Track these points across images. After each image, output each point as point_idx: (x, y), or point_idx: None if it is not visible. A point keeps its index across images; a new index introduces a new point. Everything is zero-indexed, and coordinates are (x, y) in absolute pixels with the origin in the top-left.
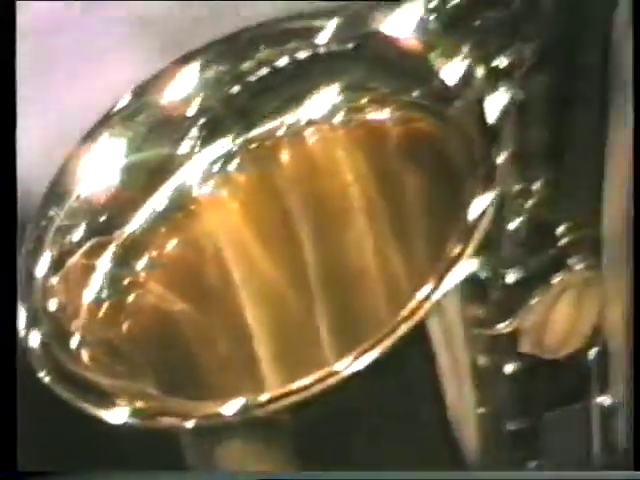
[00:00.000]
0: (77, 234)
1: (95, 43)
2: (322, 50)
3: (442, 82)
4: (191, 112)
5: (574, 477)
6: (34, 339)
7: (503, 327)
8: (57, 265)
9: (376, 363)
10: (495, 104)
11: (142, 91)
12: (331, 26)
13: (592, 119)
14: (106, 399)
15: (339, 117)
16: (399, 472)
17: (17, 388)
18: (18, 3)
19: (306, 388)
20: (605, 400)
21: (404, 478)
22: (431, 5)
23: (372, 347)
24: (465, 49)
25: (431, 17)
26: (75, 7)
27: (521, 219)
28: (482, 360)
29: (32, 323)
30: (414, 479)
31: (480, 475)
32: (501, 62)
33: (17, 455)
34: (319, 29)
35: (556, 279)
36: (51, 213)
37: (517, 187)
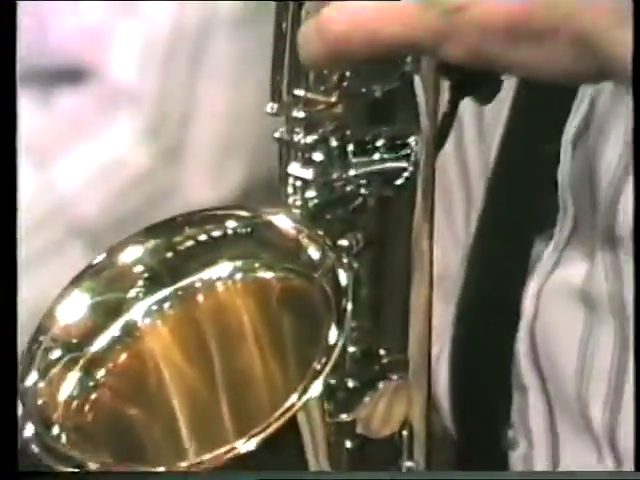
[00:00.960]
0: (57, 352)
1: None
2: (229, 231)
3: (309, 256)
4: (137, 270)
5: (574, 477)
6: (29, 429)
7: (345, 417)
8: (43, 374)
9: (263, 442)
10: (342, 271)
11: (109, 254)
12: (236, 216)
13: (399, 283)
14: (78, 466)
15: (238, 275)
16: (398, 472)
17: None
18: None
19: (215, 459)
20: (412, 466)
21: (404, 478)
22: (297, 204)
23: (260, 432)
24: (321, 233)
25: (298, 211)
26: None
27: (356, 346)
28: (332, 439)
29: (26, 417)
30: (414, 479)
31: (480, 475)
32: (343, 242)
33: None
34: (228, 217)
35: (380, 385)
36: (40, 338)
37: (353, 324)
